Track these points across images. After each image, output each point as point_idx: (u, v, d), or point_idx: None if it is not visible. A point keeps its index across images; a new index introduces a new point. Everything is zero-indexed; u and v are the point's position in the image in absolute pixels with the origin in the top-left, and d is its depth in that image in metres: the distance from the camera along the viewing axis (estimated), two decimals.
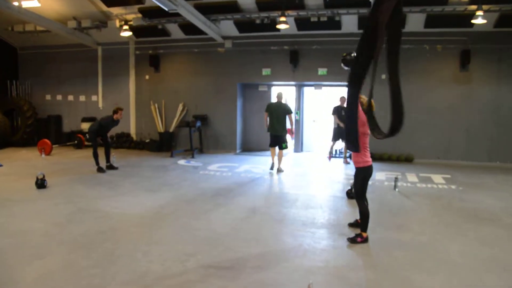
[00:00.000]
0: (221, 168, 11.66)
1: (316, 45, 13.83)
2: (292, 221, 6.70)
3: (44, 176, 9.07)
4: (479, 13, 11.02)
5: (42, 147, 14.12)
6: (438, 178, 10.38)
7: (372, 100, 5.01)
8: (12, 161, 12.87)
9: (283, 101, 11.61)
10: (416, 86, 13.09)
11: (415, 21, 12.64)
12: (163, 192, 8.71)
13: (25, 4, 12.97)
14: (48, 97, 17.49)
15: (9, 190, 8.81)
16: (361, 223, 5.77)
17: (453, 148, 13.15)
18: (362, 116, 5.49)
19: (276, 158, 11.22)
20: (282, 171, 11.13)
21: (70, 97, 17.10)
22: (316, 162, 13.17)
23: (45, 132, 16.94)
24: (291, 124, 11.74)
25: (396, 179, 9.05)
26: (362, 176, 5.76)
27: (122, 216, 6.93)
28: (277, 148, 11.12)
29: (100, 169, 10.98)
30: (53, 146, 15.14)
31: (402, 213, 7.27)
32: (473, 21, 11.35)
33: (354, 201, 6.28)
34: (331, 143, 13.28)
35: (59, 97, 17.31)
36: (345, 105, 9.65)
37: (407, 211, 7.39)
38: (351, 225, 6.41)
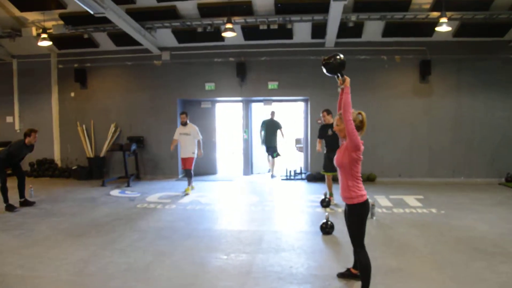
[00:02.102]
0: (162, 199, 9.92)
1: (266, 56, 12.50)
2: (263, 273, 5.16)
3: None
4: (443, 20, 10.13)
5: None
6: (411, 200, 9.24)
7: None
8: None
9: (275, 118, 13.54)
10: (374, 101, 12.09)
11: (372, 30, 11.67)
12: (89, 237, 6.88)
13: None
14: None
15: None
16: (363, 279, 4.32)
17: (415, 164, 12.21)
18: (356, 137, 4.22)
19: (271, 165, 13.46)
20: (275, 176, 13.18)
21: None
22: (270, 186, 11.75)
23: None
24: (282, 137, 13.61)
25: (372, 206, 7.70)
26: (359, 215, 4.37)
27: (28, 282, 5.08)
28: (270, 157, 13.37)
29: (8, 207, 8.87)
30: None
31: (394, 251, 5.90)
32: (437, 28, 10.53)
33: (330, 238, 4.86)
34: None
35: None
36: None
37: (399, 248, 6.05)
38: (342, 275, 4.95)
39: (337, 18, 10.42)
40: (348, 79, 4.35)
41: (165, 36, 12.36)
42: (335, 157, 4.50)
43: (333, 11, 10.02)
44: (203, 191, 10.86)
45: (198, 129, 10.65)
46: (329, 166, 8.67)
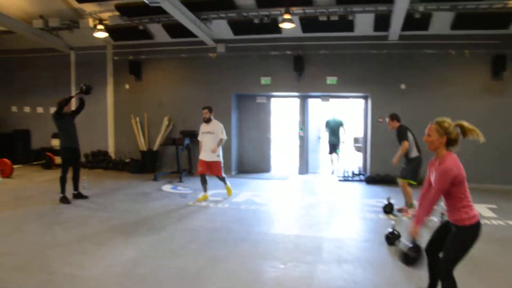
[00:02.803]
0: (215, 196, 9.55)
1: (324, 50, 11.85)
2: None
3: None
4: None
5: (0, 168, 11.95)
6: (484, 210, 8.36)
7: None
8: None
9: (337, 116, 13.51)
10: (439, 99, 11.22)
11: (440, 21, 10.78)
12: (139, 235, 6.58)
13: None
14: (14, 108, 15.32)
15: None
16: None
17: (485, 170, 11.17)
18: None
19: (333, 163, 13.27)
20: (334, 172, 13.09)
21: (40, 109, 14.92)
22: (327, 187, 11.13)
23: (10, 149, 14.73)
24: (344, 134, 13.45)
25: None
26: (467, 239, 3.77)
27: (75, 282, 4.80)
28: (334, 154, 13.26)
29: (63, 200, 8.83)
30: (18, 166, 13.11)
31: (478, 271, 5.12)
32: None
33: (396, 249, 4.22)
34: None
35: (26, 109, 15.14)
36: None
37: (481, 268, 5.28)
38: None
39: (403, 8, 9.63)
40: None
41: (220, 27, 11.97)
42: (433, 179, 3.85)
43: (399, 1, 9.27)
44: (257, 190, 10.40)
45: (222, 126, 9.16)
46: (415, 173, 7.74)
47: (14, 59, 15.03)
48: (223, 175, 9.24)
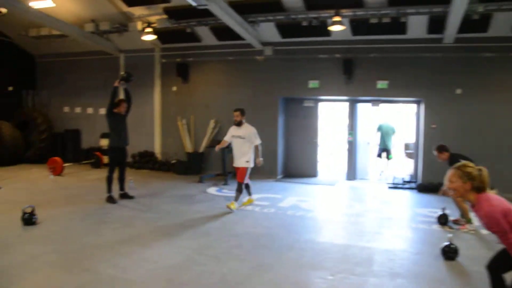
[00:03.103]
0: (261, 200, 9.38)
1: (375, 53, 11.47)
2: None
3: (33, 210, 7.12)
4: None
5: (52, 167, 12.28)
6: None
7: None
8: (15, 182, 11.15)
9: (390, 122, 13.30)
10: (497, 103, 10.62)
11: (501, 23, 10.17)
12: (183, 239, 6.50)
13: (38, 5, 11.24)
14: (66, 109, 15.76)
15: None
16: None
17: None
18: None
19: (383, 166, 13.09)
20: (383, 173, 12.98)
21: (90, 110, 15.27)
22: (376, 194, 10.73)
23: (61, 148, 15.17)
24: (395, 140, 13.35)
25: None
26: None
27: (117, 285, 4.74)
28: (384, 158, 12.99)
29: (110, 199, 8.94)
30: (69, 164, 13.50)
31: None
32: None
33: (454, 265, 3.89)
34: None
35: (77, 110, 15.54)
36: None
37: None
38: None
39: (460, 9, 9.10)
40: None
41: (268, 30, 11.82)
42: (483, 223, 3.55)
43: (456, 2, 8.79)
44: (303, 195, 10.14)
45: (255, 131, 8.64)
46: None
47: (67, 62, 15.46)
48: (246, 181, 8.60)
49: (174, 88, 13.72)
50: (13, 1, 11.03)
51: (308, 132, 12.92)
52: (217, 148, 9.10)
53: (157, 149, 14.06)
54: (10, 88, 15.58)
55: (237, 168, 8.58)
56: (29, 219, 7.05)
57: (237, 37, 11.79)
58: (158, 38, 12.85)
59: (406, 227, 7.50)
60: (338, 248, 6.18)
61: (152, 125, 13.98)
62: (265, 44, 12.36)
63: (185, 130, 13.35)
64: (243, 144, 8.50)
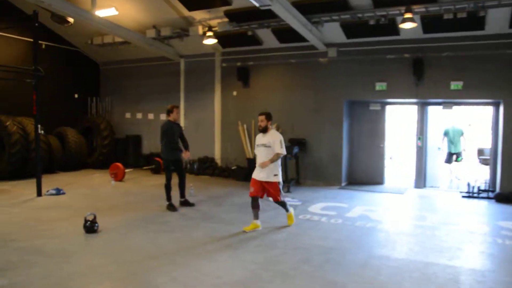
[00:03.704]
0: (326, 210, 8.86)
1: (448, 52, 10.64)
2: None
3: (95, 218, 7.08)
4: None
5: (113, 172, 12.35)
6: None
7: None
8: (78, 187, 11.25)
9: (458, 125, 12.64)
10: None
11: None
12: (246, 251, 6.12)
13: (102, 13, 11.39)
14: (127, 115, 15.97)
15: (50, 233, 6.98)
16: None
17: None
18: None
19: (452, 173, 12.53)
20: (459, 179, 12.42)
21: (151, 116, 15.37)
22: (450, 204, 9.91)
23: (123, 153, 15.36)
24: (464, 143, 12.60)
25: None
26: None
27: None
28: (453, 164, 12.42)
29: (170, 207, 8.76)
30: (130, 169, 13.65)
31: None
32: None
33: None
34: None
35: (139, 116, 15.69)
36: None
37: None
38: None
39: None
40: None
41: (332, 30, 11.29)
42: None
43: None
44: (371, 204, 9.51)
45: (281, 138, 7.22)
46: None
47: (129, 69, 15.71)
48: (283, 199, 7.38)
49: (235, 93, 13.47)
50: (80, 11, 11.27)
51: (374, 137, 12.26)
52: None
53: (217, 154, 13.86)
54: (76, 96, 15.99)
55: (261, 183, 7.19)
56: (90, 227, 7.03)
57: (300, 39, 11.37)
58: (219, 42, 12.66)
59: (491, 243, 6.75)
60: (416, 266, 5.57)
61: (212, 130, 13.79)
62: (328, 45, 11.85)
63: (245, 135, 13.05)
64: (268, 153, 7.12)
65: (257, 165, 7.23)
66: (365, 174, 12.31)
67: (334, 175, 11.99)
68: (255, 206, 7.30)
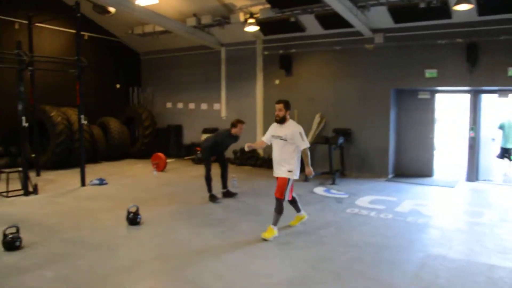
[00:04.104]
0: (374, 203, 8.48)
1: (506, 35, 9.97)
2: None
3: (138, 210, 6.99)
4: None
5: (155, 162, 12.32)
6: None
7: None
8: (121, 177, 11.28)
9: None
10: None
11: None
12: (294, 248, 5.86)
13: (143, 2, 11.29)
14: (169, 105, 15.94)
15: (94, 224, 6.99)
16: None
17: None
18: None
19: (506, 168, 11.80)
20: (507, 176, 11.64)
21: (191, 105, 15.26)
22: (506, 199, 9.32)
23: (164, 143, 15.38)
24: None
25: None
26: None
27: None
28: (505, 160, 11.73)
29: (212, 198, 8.64)
30: (172, 159, 13.64)
31: None
32: None
33: None
34: None
35: (180, 105, 15.63)
36: None
37: None
38: None
39: None
40: None
41: (379, 15, 10.77)
42: None
43: None
44: (421, 198, 9.04)
45: (301, 130, 6.35)
46: None
47: (169, 58, 15.66)
48: (285, 197, 6.37)
49: (277, 81, 13.15)
50: (121, 0, 11.16)
51: (422, 127, 11.68)
52: (248, 147, 6.89)
53: None
54: (118, 86, 16.07)
55: (277, 179, 6.45)
56: (133, 219, 6.95)
57: (345, 24, 10.93)
58: (260, 29, 12.34)
59: None
60: (478, 268, 5.16)
61: (254, 120, 13.53)
62: (375, 31, 11.32)
63: None
64: (284, 147, 6.28)
65: (273, 161, 6.46)
66: (413, 166, 11.77)
67: (380, 166, 11.53)
68: (291, 202, 6.73)
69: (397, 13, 10.58)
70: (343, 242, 6.12)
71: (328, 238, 6.28)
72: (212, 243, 6.04)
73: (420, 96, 11.70)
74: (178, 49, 15.22)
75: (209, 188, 8.67)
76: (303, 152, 6.37)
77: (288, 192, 6.38)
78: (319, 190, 9.82)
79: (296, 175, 6.35)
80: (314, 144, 11.99)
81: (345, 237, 6.34)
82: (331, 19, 11.13)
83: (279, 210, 6.29)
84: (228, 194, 8.95)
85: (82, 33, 11.77)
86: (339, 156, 11.65)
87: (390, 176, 11.53)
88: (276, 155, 6.39)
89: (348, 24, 10.89)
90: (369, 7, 10.41)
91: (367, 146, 11.68)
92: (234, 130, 8.51)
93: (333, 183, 10.42)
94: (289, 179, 6.26)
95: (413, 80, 11.14)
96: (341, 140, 11.15)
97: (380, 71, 11.44)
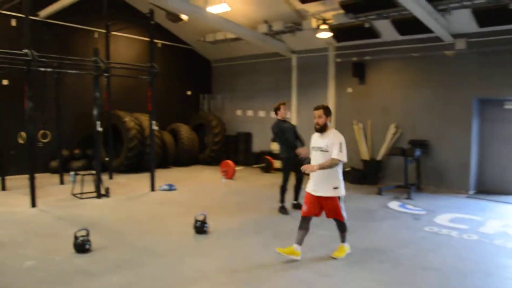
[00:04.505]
0: (456, 222, 7.78)
1: None
2: None
3: (205, 218, 6.87)
4: None
5: (224, 170, 12.27)
6: None
7: None
8: (190, 184, 11.35)
9: None
10: None
11: None
12: (366, 267, 5.42)
13: (214, 10, 11.32)
14: (238, 112, 15.92)
15: (161, 231, 7.02)
16: None
17: None
18: None
19: None
20: None
21: (261, 113, 15.13)
22: None
23: (233, 151, 15.39)
24: None
25: None
26: None
27: None
28: None
29: (282, 210, 8.35)
30: (240, 167, 13.51)
31: None
32: None
33: None
34: None
35: (249, 113, 15.55)
36: None
37: None
38: None
39: None
40: None
41: (461, 19, 10.05)
42: None
43: None
44: (510, 219, 8.21)
45: (342, 140, 5.51)
46: None
47: (240, 65, 15.68)
48: (344, 216, 5.73)
49: (349, 90, 12.69)
50: (193, 8, 11.31)
51: (509, 140, 10.74)
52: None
53: None
54: (189, 93, 16.29)
55: (318, 198, 5.62)
56: (201, 228, 6.85)
57: (423, 29, 10.34)
58: (333, 36, 12.00)
59: None
60: None
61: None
62: (456, 36, 10.58)
63: (361, 136, 12.23)
64: (325, 159, 5.46)
65: (310, 177, 5.70)
66: (499, 182, 10.79)
67: (460, 181, 10.72)
68: (303, 227, 5.71)
69: (483, 16, 9.83)
70: (423, 264, 5.60)
71: (406, 259, 5.79)
72: (281, 258, 5.73)
73: (507, 107, 10.74)
74: (248, 56, 15.19)
75: (282, 199, 8.41)
76: (331, 161, 5.37)
77: (345, 211, 5.74)
78: (394, 204, 9.25)
79: (343, 191, 5.67)
80: (389, 155, 11.43)
81: (426, 259, 5.81)
82: (408, 24, 10.61)
83: (343, 228, 5.83)
84: (298, 207, 8.60)
85: (155, 41, 12.01)
86: (414, 169, 10.96)
87: (471, 192, 10.68)
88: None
89: (426, 29, 10.29)
90: (450, 10, 9.79)
91: (445, 159, 10.92)
92: (280, 114, 8.42)
93: (409, 198, 9.79)
94: (339, 197, 5.62)
95: (499, 89, 10.26)
96: (418, 152, 10.48)
97: (461, 79, 10.68)
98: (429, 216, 8.18)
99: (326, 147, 5.47)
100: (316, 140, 5.68)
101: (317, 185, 5.58)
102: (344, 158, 5.43)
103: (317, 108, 5.70)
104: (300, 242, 5.68)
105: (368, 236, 6.90)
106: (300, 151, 8.30)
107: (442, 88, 10.97)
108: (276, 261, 5.61)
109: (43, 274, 5.08)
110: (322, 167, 5.34)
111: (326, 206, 5.62)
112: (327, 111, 5.69)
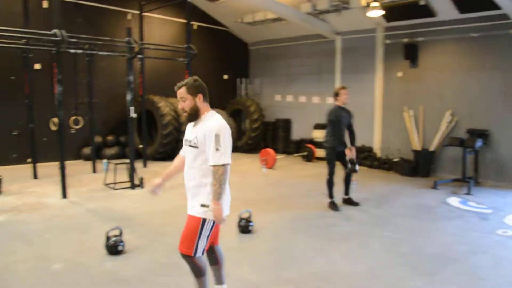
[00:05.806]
0: None
1: None
2: None
3: (250, 216, 6.25)
4: None
5: (264, 158, 11.60)
6: None
7: None
8: (230, 173, 10.55)
9: None
10: None
11: None
12: (442, 281, 4.64)
13: None
14: (277, 97, 15.16)
15: None
16: None
17: None
18: None
19: None
20: None
21: (302, 99, 14.34)
22: None
23: (272, 138, 14.71)
24: None
25: None
26: None
27: None
28: None
29: (332, 205, 7.61)
30: (281, 155, 12.88)
31: None
32: None
33: None
34: None
35: (289, 98, 14.78)
36: None
37: None
38: None
39: None
40: None
41: None
42: None
43: None
44: None
45: (223, 131, 3.40)
46: None
47: (279, 48, 14.98)
48: (198, 255, 3.60)
49: (399, 74, 11.71)
50: None
51: None
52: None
53: (376, 144, 12.31)
54: (226, 77, 15.65)
55: None
56: (245, 227, 6.23)
57: (487, 6, 9.38)
58: (383, 15, 11.04)
59: None
60: None
61: (371, 117, 12.26)
62: None
63: (412, 124, 11.29)
64: (197, 158, 3.57)
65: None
66: None
67: None
68: (210, 260, 3.97)
69: None
70: (508, 277, 4.79)
71: (485, 270, 4.97)
72: (340, 266, 5.04)
73: None
74: (288, 38, 14.38)
75: (330, 194, 7.66)
76: (213, 173, 3.43)
77: (202, 247, 3.60)
78: (453, 200, 8.36)
79: (218, 212, 3.47)
80: (445, 145, 10.47)
81: (504, 269, 5.00)
82: (470, 1, 9.62)
83: (193, 270, 3.67)
84: (349, 202, 7.91)
85: (191, 22, 11.37)
86: (472, 161, 10.01)
87: None
88: (185, 174, 3.72)
89: (492, 6, 9.31)
90: None
91: (509, 150, 9.91)
92: (339, 100, 7.54)
93: (469, 193, 8.85)
94: (203, 220, 3.54)
95: None
96: (479, 143, 9.49)
97: None
98: (498, 216, 7.28)
99: (196, 142, 3.52)
100: (188, 130, 3.75)
101: (191, 197, 3.68)
102: (223, 160, 3.38)
103: (178, 88, 3.67)
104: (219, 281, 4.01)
105: (433, 238, 6.12)
106: (348, 152, 7.49)
107: (505, 72, 9.89)
108: (336, 270, 4.93)
109: (70, 281, 4.55)
110: (215, 196, 3.42)
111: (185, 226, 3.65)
112: (192, 88, 3.63)
